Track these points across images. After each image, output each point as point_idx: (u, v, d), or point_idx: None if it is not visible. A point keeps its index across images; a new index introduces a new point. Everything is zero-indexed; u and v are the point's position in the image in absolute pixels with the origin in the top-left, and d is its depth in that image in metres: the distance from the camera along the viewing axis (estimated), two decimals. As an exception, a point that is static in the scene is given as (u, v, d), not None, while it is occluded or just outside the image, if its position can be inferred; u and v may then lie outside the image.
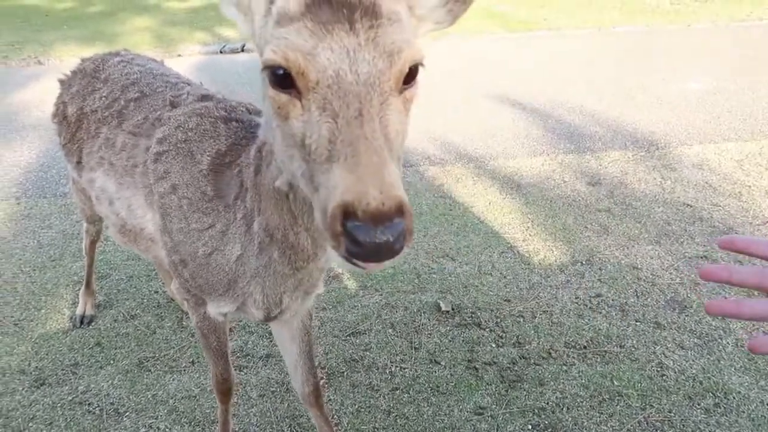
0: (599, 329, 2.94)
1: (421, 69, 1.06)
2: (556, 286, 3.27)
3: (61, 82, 2.46)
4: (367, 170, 0.90)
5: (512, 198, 4.22)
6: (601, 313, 3.06)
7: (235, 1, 1.19)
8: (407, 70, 1.01)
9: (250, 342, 2.86)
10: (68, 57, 8.30)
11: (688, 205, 4.07)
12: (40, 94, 6.61)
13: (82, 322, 2.98)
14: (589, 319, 3.01)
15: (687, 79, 6.77)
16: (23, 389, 2.60)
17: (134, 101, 2.11)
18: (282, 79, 1.01)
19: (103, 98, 2.20)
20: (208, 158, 1.67)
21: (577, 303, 3.13)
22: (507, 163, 4.77)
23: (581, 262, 3.47)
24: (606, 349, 2.82)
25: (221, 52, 8.72)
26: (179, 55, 8.44)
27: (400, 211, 0.88)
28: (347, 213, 0.87)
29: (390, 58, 0.99)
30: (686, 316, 3.01)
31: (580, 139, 5.21)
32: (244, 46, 8.89)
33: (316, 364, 2.20)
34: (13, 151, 5.09)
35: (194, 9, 11.41)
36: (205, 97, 1.93)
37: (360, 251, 0.88)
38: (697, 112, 5.78)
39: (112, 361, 2.76)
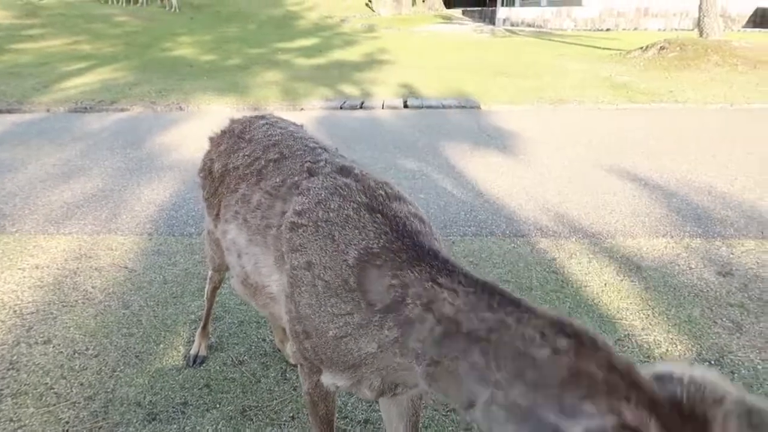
0: (730, 444, 2.62)
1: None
2: (679, 386, 2.97)
3: (211, 140, 2.61)
4: None
5: (631, 281, 3.96)
6: (732, 424, 2.73)
7: None
8: None
9: (350, 404, 2.84)
10: (205, 105, 9.12)
11: (839, 309, 3.61)
12: (179, 138, 7.27)
13: (195, 362, 3.12)
14: (718, 430, 2.69)
15: (836, 165, 6.16)
16: (137, 421, 2.73)
17: (273, 162, 2.21)
18: None
19: (246, 156, 2.33)
20: (356, 252, 1.62)
21: (704, 409, 2.82)
22: (625, 242, 4.51)
23: (710, 362, 3.15)
24: (739, 468, 2.49)
25: (341, 107, 9.18)
26: (302, 109, 8.97)
27: None
28: None
29: None
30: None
31: (708, 223, 4.84)
32: (362, 103, 9.32)
33: (419, 442, 2.12)
34: (151, 190, 5.58)
35: (320, 66, 12.19)
36: (343, 170, 1.93)
37: None
38: None
39: (218, 405, 2.84)
